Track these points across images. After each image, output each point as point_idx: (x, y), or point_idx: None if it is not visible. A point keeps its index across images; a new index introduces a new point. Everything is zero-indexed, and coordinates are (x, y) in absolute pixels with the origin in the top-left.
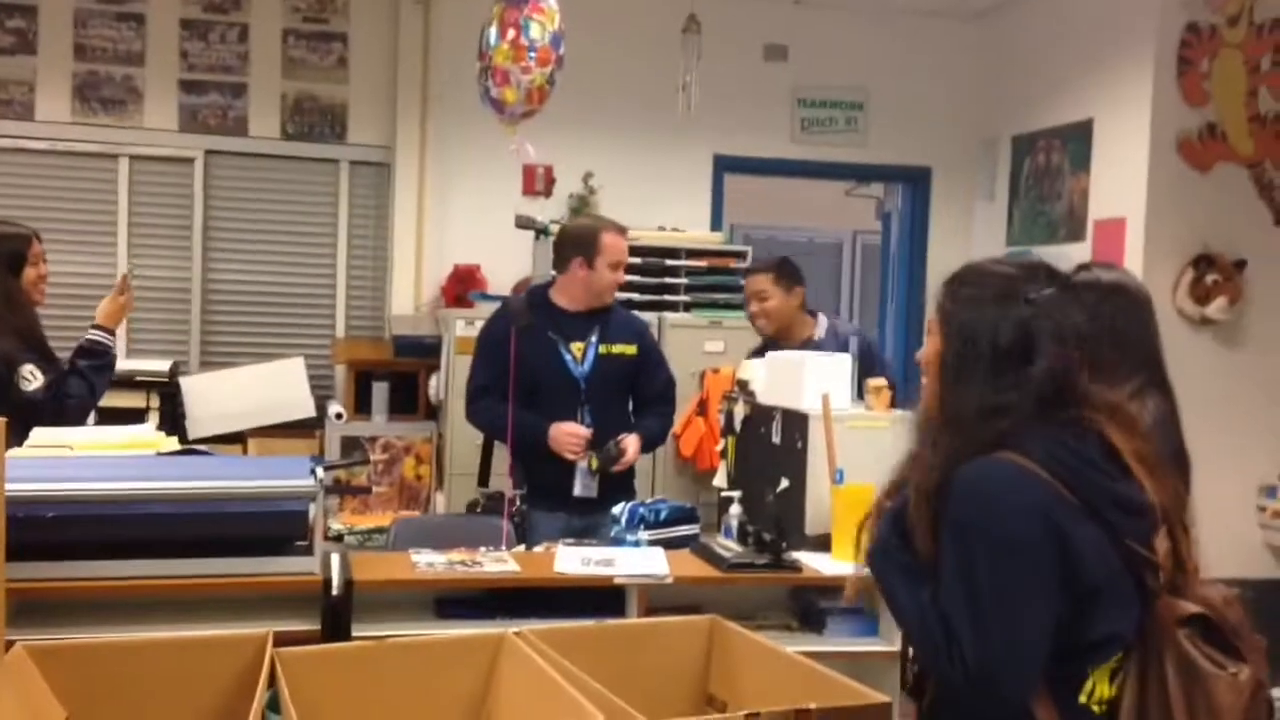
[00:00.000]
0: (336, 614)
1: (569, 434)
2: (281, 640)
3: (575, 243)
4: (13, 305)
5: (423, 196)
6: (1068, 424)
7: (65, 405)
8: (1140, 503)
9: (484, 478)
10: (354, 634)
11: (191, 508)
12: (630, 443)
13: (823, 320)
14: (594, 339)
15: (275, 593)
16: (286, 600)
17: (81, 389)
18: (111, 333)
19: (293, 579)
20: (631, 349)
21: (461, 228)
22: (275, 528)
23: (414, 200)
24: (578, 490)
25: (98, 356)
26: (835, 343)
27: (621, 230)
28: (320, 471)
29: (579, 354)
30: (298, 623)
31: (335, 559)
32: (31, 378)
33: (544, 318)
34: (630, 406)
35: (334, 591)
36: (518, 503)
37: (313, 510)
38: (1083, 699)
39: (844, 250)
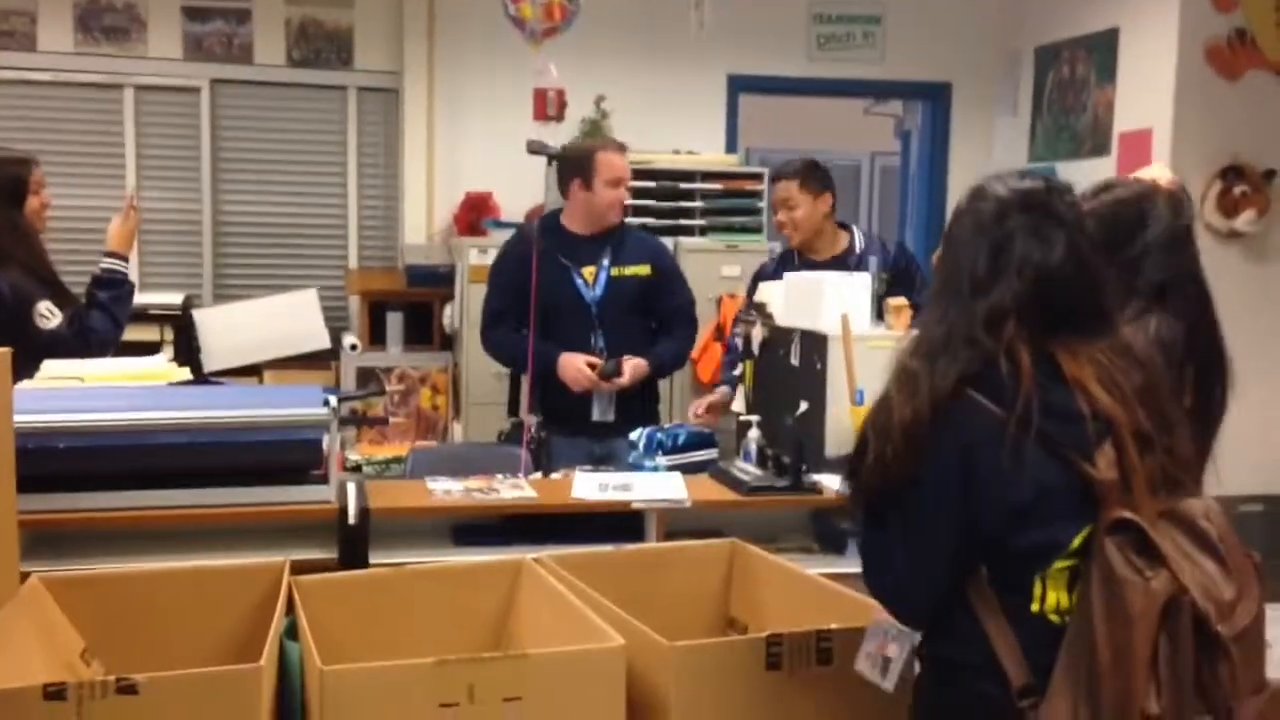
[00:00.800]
0: (353, 542)
1: (577, 369)
2: (299, 569)
3: (572, 165)
4: (19, 236)
5: (432, 123)
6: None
7: (89, 340)
8: (1075, 411)
9: (514, 406)
10: (371, 562)
11: (205, 437)
12: (628, 365)
13: (857, 233)
14: (605, 261)
15: (292, 522)
16: (303, 529)
17: (104, 323)
18: (125, 258)
19: (309, 508)
20: (645, 269)
21: (473, 154)
22: (290, 457)
23: (424, 127)
24: (596, 415)
25: (115, 286)
26: (880, 252)
27: (619, 148)
28: (333, 401)
29: (590, 278)
30: (315, 552)
31: (351, 488)
32: (50, 315)
33: (555, 243)
34: (649, 328)
35: (350, 520)
36: (534, 430)
37: (326, 439)
38: (1035, 607)
39: (862, 172)
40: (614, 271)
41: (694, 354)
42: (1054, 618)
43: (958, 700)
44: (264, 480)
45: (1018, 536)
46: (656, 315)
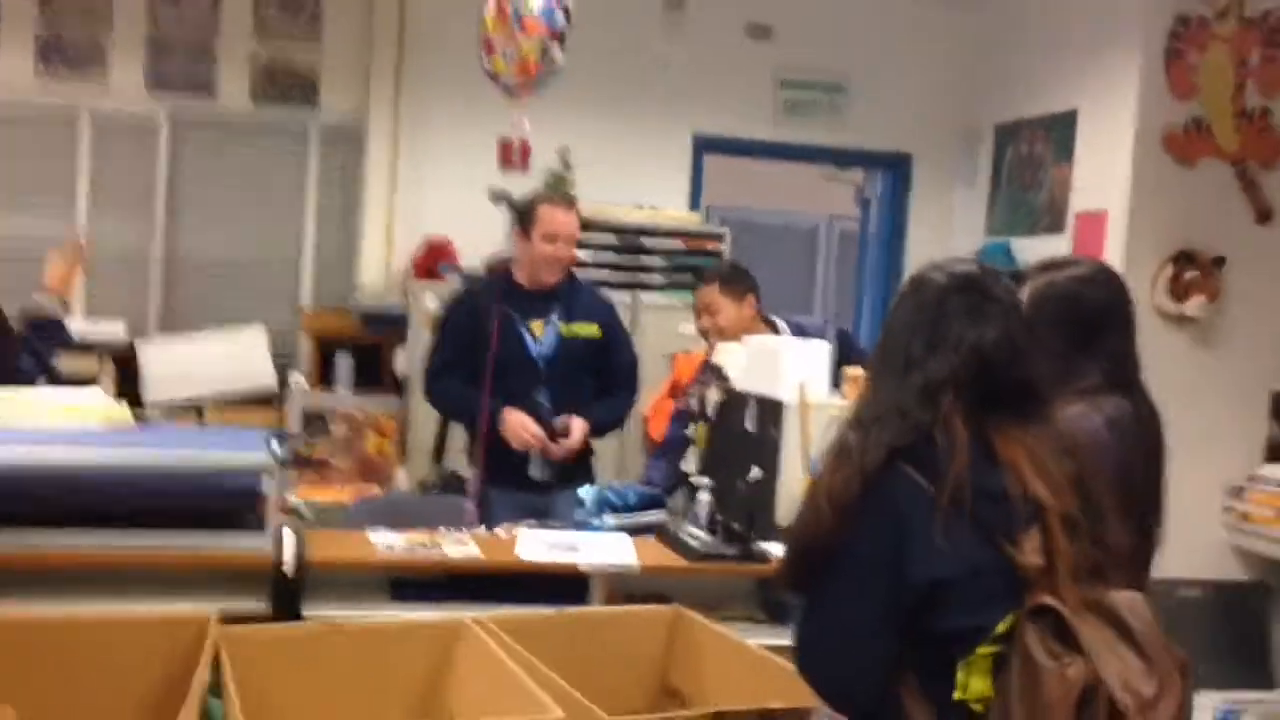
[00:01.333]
0: (287, 594)
1: (520, 425)
2: (229, 619)
3: (517, 214)
4: None
5: (395, 166)
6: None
7: (15, 380)
8: (1005, 493)
9: (439, 454)
10: (305, 615)
11: (139, 479)
12: (576, 426)
13: (783, 327)
14: (555, 317)
15: (226, 570)
16: (235, 578)
17: (30, 365)
18: (62, 298)
19: (243, 555)
20: (594, 329)
21: (435, 199)
22: (227, 502)
23: (386, 169)
24: (533, 473)
25: (47, 329)
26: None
27: (567, 202)
28: (277, 446)
29: (538, 332)
30: (247, 601)
31: (289, 536)
32: None
33: (504, 295)
34: (593, 387)
35: (287, 572)
36: (476, 482)
37: (267, 485)
38: (959, 694)
39: (820, 235)
40: (563, 329)
41: (647, 411)
42: (977, 706)
43: None
44: (199, 525)
45: (943, 619)
46: (600, 376)
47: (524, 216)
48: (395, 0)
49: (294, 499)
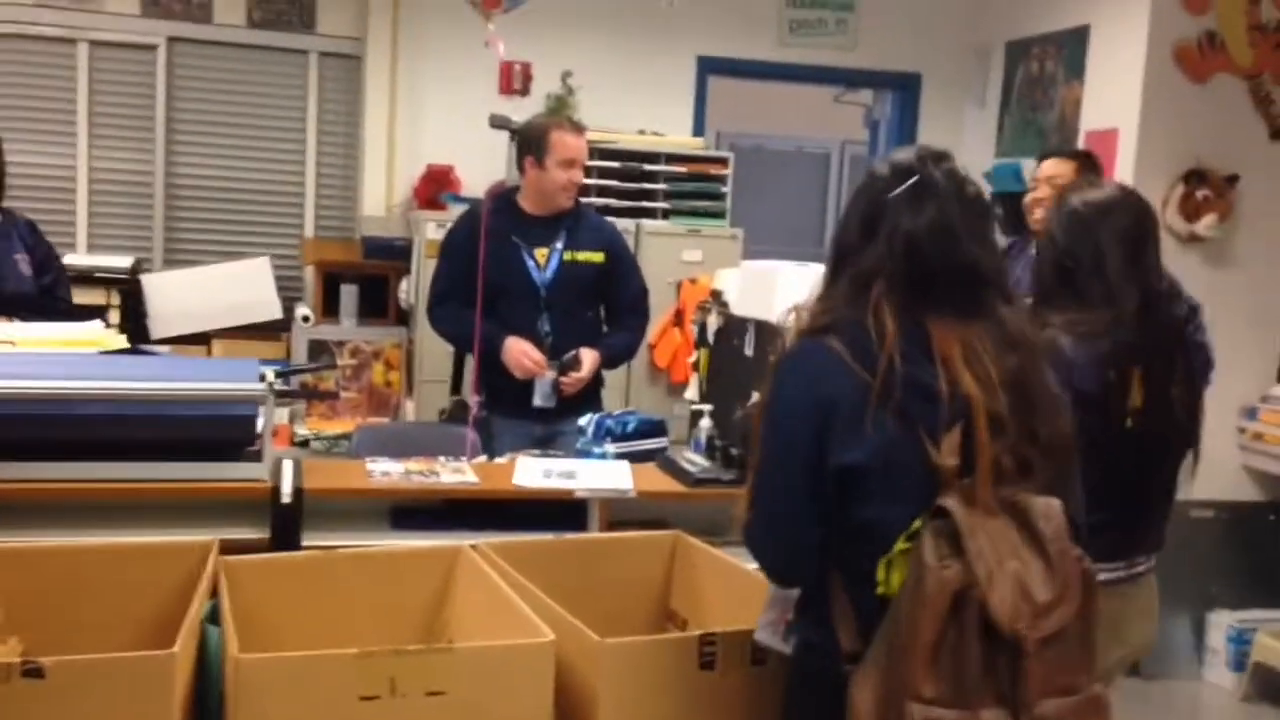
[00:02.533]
0: (286, 523)
1: (522, 353)
2: (230, 549)
3: (526, 141)
4: None
5: (395, 92)
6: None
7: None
8: (935, 390)
9: (456, 385)
10: (305, 544)
11: (134, 409)
12: (586, 357)
13: None
14: (559, 245)
15: (224, 500)
16: (236, 508)
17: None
18: None
19: (241, 485)
20: (599, 256)
21: (435, 126)
22: (222, 432)
23: (386, 96)
24: (537, 400)
25: None
26: None
27: (577, 128)
28: (270, 375)
29: (542, 260)
30: (247, 531)
31: (288, 466)
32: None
33: (509, 221)
34: (600, 316)
35: (284, 499)
36: (476, 410)
37: (262, 415)
38: (880, 589)
39: (831, 160)
40: (567, 256)
41: (652, 339)
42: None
43: (809, 676)
44: (195, 455)
45: (859, 508)
46: (607, 303)
47: (535, 143)
48: None
49: (303, 430)
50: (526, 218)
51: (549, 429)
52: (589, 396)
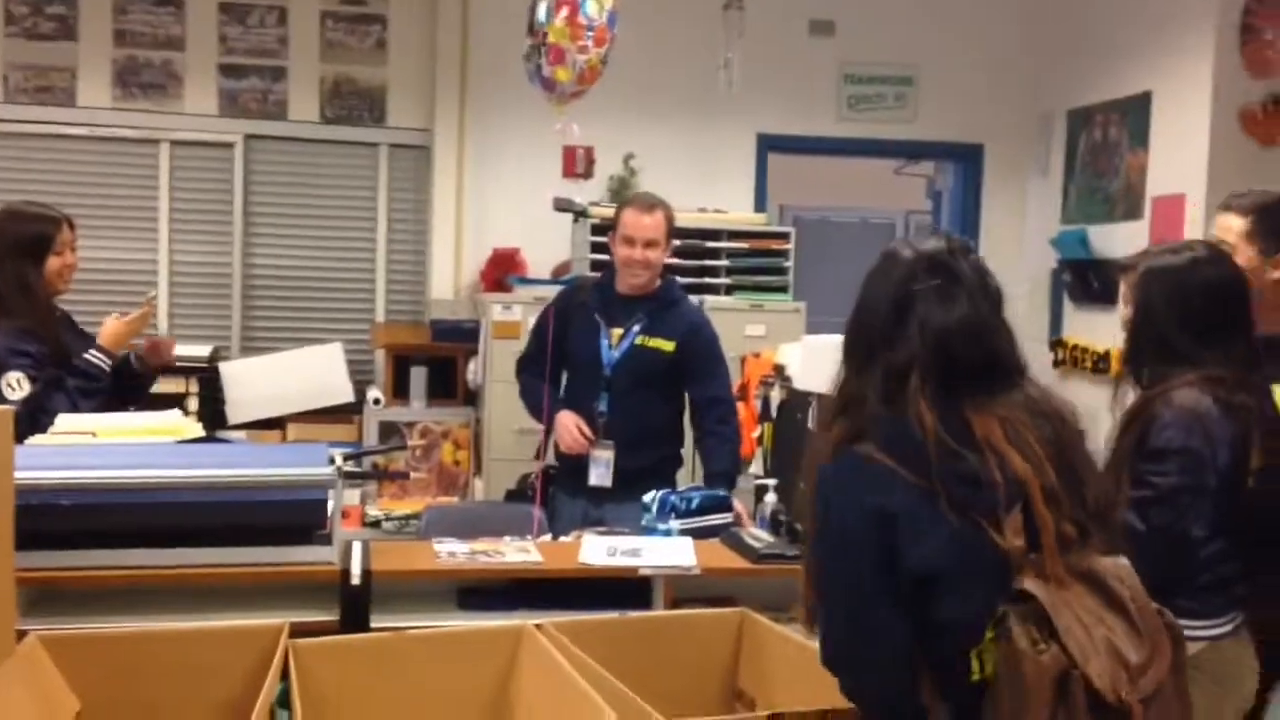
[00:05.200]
0: (355, 604)
1: (567, 429)
2: (300, 631)
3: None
4: (27, 294)
5: (462, 179)
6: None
7: (39, 422)
8: (986, 476)
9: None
10: (374, 626)
11: (207, 496)
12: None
13: None
14: (636, 327)
15: (294, 583)
16: (305, 591)
17: (63, 406)
18: (111, 355)
19: (310, 569)
20: (669, 345)
21: (501, 211)
22: (292, 516)
23: (453, 183)
24: (592, 479)
25: (89, 379)
26: None
27: (647, 206)
28: (338, 458)
29: (615, 339)
30: (317, 613)
31: (356, 548)
32: (16, 386)
33: (600, 300)
34: (673, 408)
35: (353, 581)
36: (539, 483)
37: (331, 499)
38: (975, 676)
39: (896, 230)
40: (639, 340)
41: None
42: None
43: None
44: (266, 540)
45: (940, 609)
46: (688, 398)
47: (614, 222)
48: (459, 17)
49: (374, 510)
50: (615, 297)
51: (601, 511)
52: (653, 476)
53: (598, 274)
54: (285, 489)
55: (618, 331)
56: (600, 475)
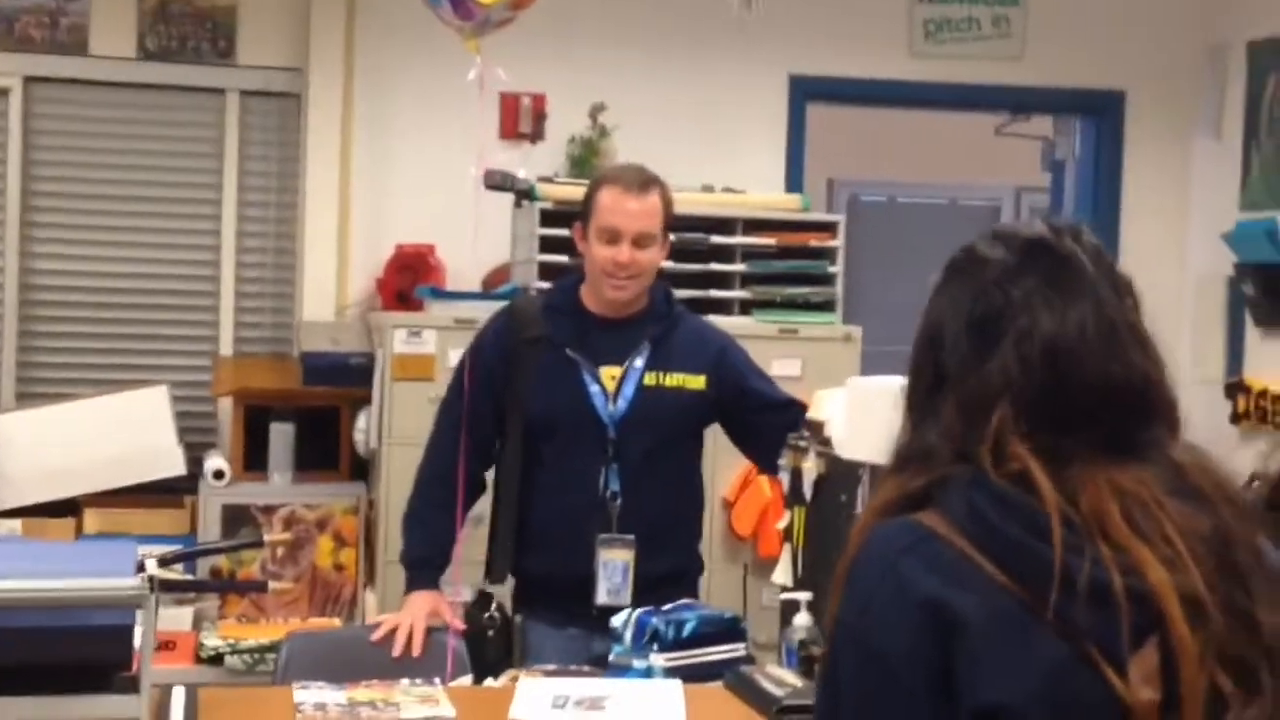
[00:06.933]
0: None
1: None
2: None
3: (582, 205)
4: None
5: (348, 143)
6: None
7: None
8: (1105, 584)
9: (491, 567)
10: None
11: None
12: None
13: None
14: (639, 362)
15: None
16: None
17: None
18: None
19: None
20: (699, 381)
21: (407, 190)
22: (78, 650)
23: (335, 148)
24: (601, 596)
25: None
26: None
27: (637, 183)
28: (151, 564)
29: (611, 383)
30: None
31: (177, 696)
32: None
33: (568, 326)
34: (695, 475)
35: None
36: (491, 608)
37: (140, 624)
38: None
39: (1003, 216)
40: (649, 379)
41: (729, 495)
42: None
43: None
44: (37, 686)
45: None
46: (743, 441)
47: (584, 205)
48: None
49: (214, 639)
50: (592, 321)
51: (609, 642)
52: (681, 581)
53: (544, 287)
54: (66, 609)
55: (611, 372)
56: (615, 589)
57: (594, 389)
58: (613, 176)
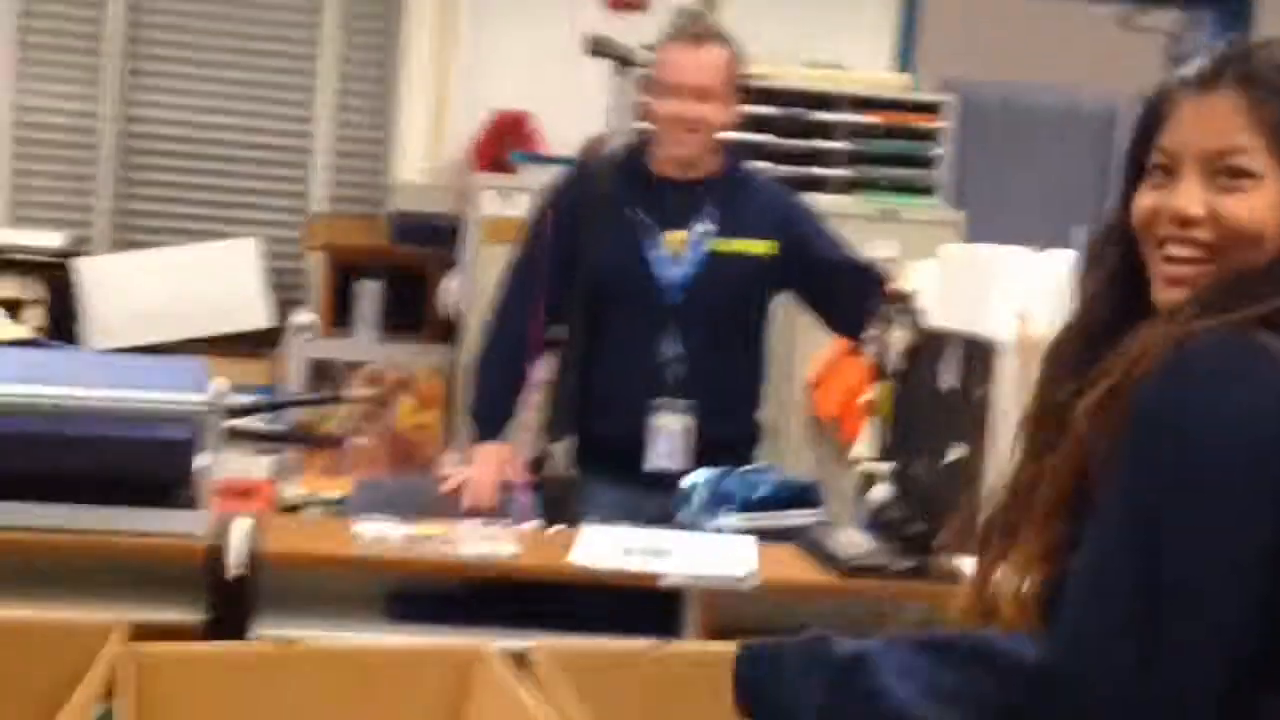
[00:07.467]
0: (231, 601)
1: (480, 480)
2: (150, 633)
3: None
4: None
5: (450, 4)
6: None
7: None
8: None
9: (553, 426)
10: (257, 634)
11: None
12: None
13: None
14: (706, 225)
15: (144, 565)
16: (161, 577)
17: None
18: None
19: (164, 543)
20: (765, 246)
21: (506, 55)
22: (131, 461)
23: (437, 8)
24: (652, 460)
25: None
26: None
27: (696, 38)
28: (218, 386)
29: (676, 248)
30: (175, 611)
31: (241, 524)
32: None
33: (629, 187)
34: (758, 343)
35: (230, 571)
36: (544, 464)
37: (201, 442)
38: None
39: (1117, 121)
40: (716, 244)
41: (812, 377)
42: None
43: None
44: (106, 495)
45: None
46: (818, 304)
47: (651, 69)
48: None
49: (295, 490)
50: (655, 183)
51: (667, 505)
52: (743, 448)
53: (619, 146)
54: (121, 420)
55: (677, 236)
56: (667, 453)
57: (655, 254)
58: (673, 32)
